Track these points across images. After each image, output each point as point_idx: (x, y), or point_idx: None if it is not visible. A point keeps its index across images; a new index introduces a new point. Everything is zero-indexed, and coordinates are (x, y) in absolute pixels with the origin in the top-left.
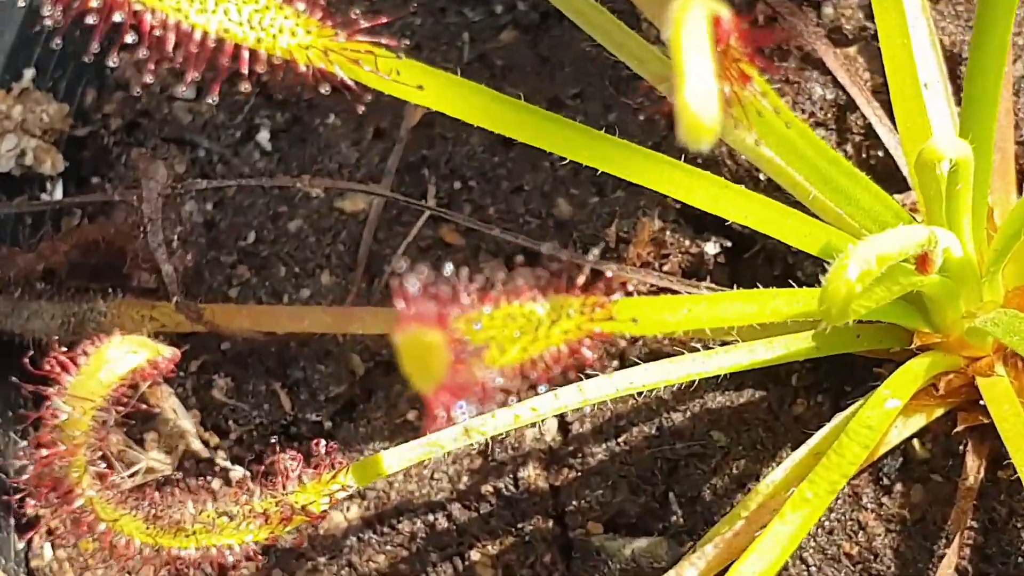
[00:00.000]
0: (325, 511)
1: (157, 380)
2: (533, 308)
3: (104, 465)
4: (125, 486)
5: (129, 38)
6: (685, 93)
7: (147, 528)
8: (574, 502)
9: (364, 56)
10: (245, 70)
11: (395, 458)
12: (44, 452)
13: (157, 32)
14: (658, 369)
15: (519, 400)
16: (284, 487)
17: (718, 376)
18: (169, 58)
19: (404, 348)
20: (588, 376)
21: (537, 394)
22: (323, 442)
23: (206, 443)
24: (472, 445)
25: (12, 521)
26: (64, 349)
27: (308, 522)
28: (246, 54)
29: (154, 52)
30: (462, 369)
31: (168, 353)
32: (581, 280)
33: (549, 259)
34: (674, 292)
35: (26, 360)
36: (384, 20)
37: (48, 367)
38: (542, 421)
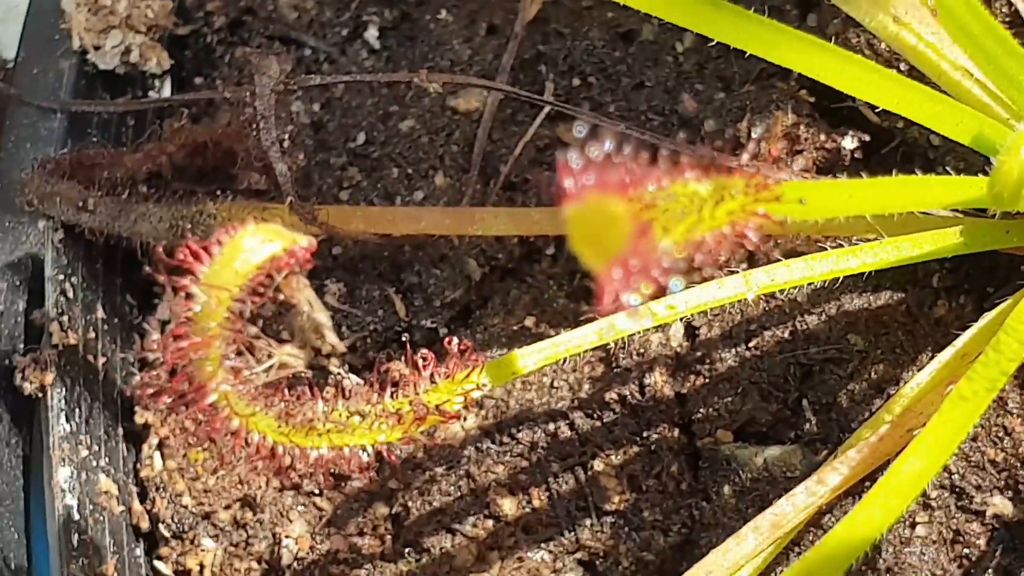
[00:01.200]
0: (459, 411)
1: (293, 270)
2: (696, 188)
3: (237, 359)
4: (258, 381)
5: None
6: None
7: (279, 426)
8: (701, 410)
9: None
10: None
11: (532, 357)
12: (179, 344)
13: None
14: (802, 265)
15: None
16: (416, 387)
17: (857, 277)
18: None
19: (577, 220)
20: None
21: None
22: (454, 339)
23: (328, 350)
24: (594, 350)
25: (121, 431)
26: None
27: (442, 422)
28: None
29: None
30: (635, 246)
31: (304, 242)
32: (744, 159)
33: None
34: None
35: (159, 248)
36: None
37: (181, 256)
38: (668, 326)
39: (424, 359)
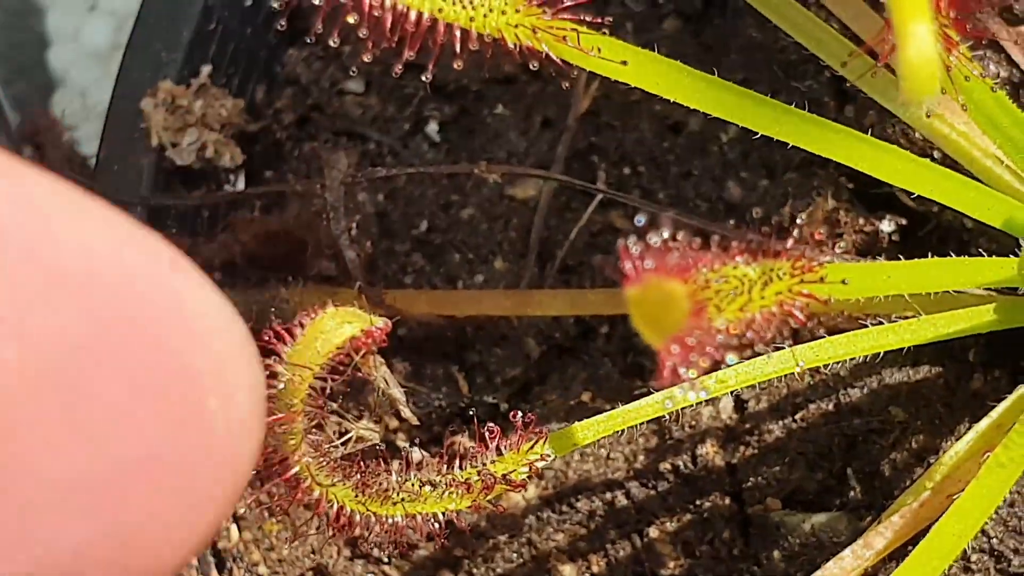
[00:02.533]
0: (525, 480)
1: (371, 350)
2: (746, 270)
3: (318, 433)
4: (336, 454)
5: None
6: (909, 49)
7: (356, 496)
8: (751, 479)
9: (569, 33)
10: (458, 48)
11: (591, 428)
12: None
13: (376, 12)
14: (845, 341)
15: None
16: (483, 458)
17: (896, 352)
18: (387, 37)
19: (638, 301)
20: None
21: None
22: (519, 413)
23: (395, 425)
24: (648, 424)
25: None
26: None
27: (509, 490)
28: (458, 32)
29: (371, 31)
30: (692, 324)
31: (380, 323)
32: (789, 244)
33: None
34: None
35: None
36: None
37: (266, 338)
38: (719, 400)
39: (490, 432)
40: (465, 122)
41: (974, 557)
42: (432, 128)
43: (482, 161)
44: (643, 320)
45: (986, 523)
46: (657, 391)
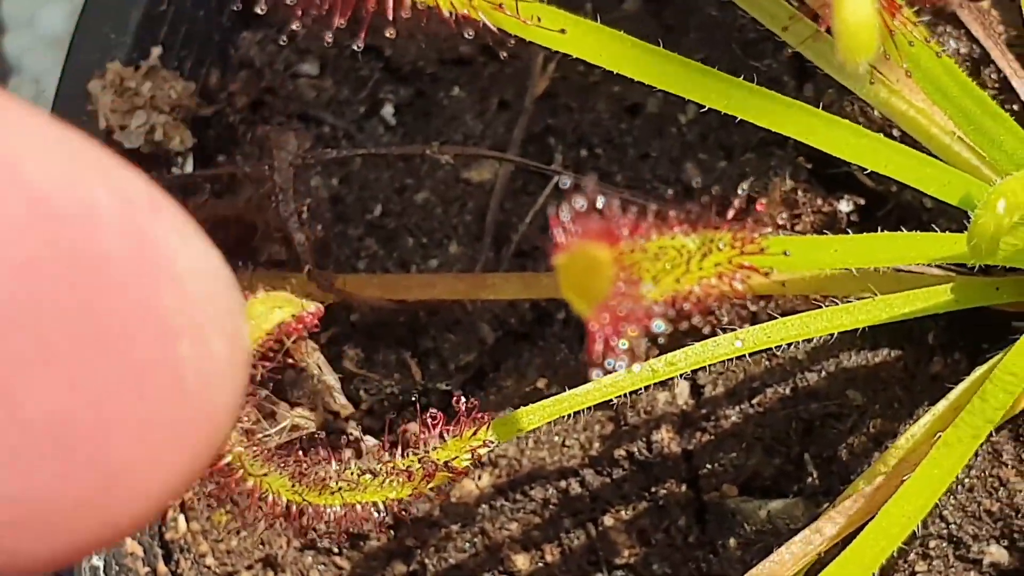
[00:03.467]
0: (467, 468)
1: (302, 335)
2: (684, 241)
3: (250, 422)
4: (271, 443)
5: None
6: (845, 9)
7: (292, 485)
8: (708, 465)
9: (507, 1)
10: (391, 16)
11: (536, 414)
12: None
13: None
14: (797, 322)
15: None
16: (426, 445)
17: (854, 335)
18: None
19: (565, 268)
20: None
21: (681, 344)
22: (463, 399)
23: (347, 413)
24: (603, 410)
25: None
26: None
27: (451, 479)
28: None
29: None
30: (623, 293)
31: (312, 308)
32: (730, 215)
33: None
34: None
35: None
36: None
37: None
38: (675, 385)
39: (434, 418)
40: (421, 105)
41: (932, 543)
42: (388, 111)
43: (435, 143)
44: (571, 289)
45: (944, 509)
46: (605, 374)
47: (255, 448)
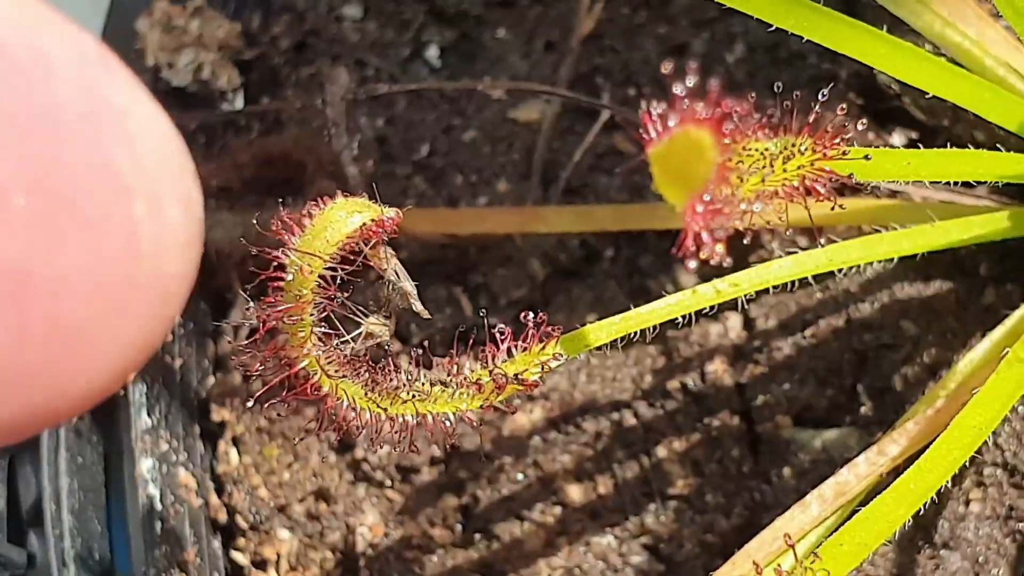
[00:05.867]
0: (537, 380)
1: (381, 240)
2: (767, 144)
3: (327, 327)
4: (345, 350)
5: None
6: None
7: (366, 393)
8: (761, 397)
9: None
10: None
11: (604, 330)
12: (272, 309)
13: None
14: (859, 246)
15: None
16: (494, 359)
17: (908, 267)
18: None
19: (662, 158)
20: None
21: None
22: (531, 313)
23: (397, 349)
24: (655, 344)
25: (198, 429)
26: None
27: (521, 391)
28: None
29: None
30: (715, 184)
31: (392, 213)
32: (811, 119)
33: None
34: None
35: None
36: None
37: (274, 227)
38: (727, 318)
39: (502, 334)
40: (465, 47)
41: (987, 471)
42: (432, 53)
43: (487, 78)
44: (667, 178)
45: (999, 437)
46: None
47: (331, 354)
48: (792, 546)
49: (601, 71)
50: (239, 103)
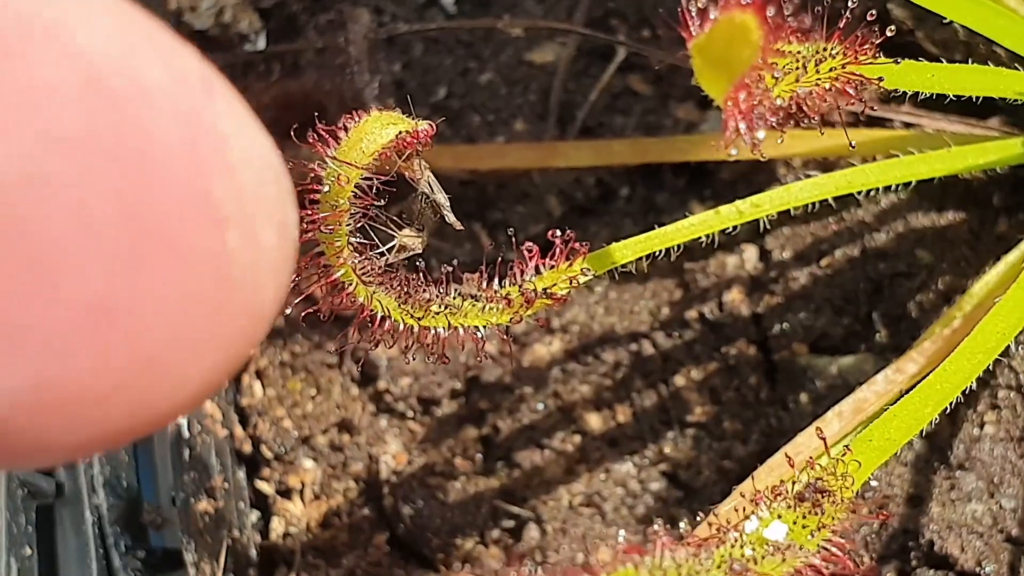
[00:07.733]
0: (567, 295)
1: (416, 151)
2: (799, 47)
3: (362, 238)
4: (379, 262)
5: None
6: None
7: (399, 305)
8: (777, 326)
9: None
10: None
11: (629, 248)
12: (309, 219)
13: None
14: (877, 169)
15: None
16: (523, 275)
17: (922, 198)
18: None
19: (703, 48)
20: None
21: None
22: (559, 232)
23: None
24: (671, 277)
25: None
26: None
27: (551, 306)
28: None
29: None
30: (751, 88)
31: (426, 125)
32: (841, 24)
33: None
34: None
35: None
36: None
37: (310, 139)
38: (743, 250)
39: (529, 251)
40: None
41: (1001, 394)
42: (447, 0)
43: (505, 16)
44: (708, 69)
45: (1013, 360)
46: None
47: (365, 264)
48: (823, 438)
49: (615, 14)
50: (261, 44)
